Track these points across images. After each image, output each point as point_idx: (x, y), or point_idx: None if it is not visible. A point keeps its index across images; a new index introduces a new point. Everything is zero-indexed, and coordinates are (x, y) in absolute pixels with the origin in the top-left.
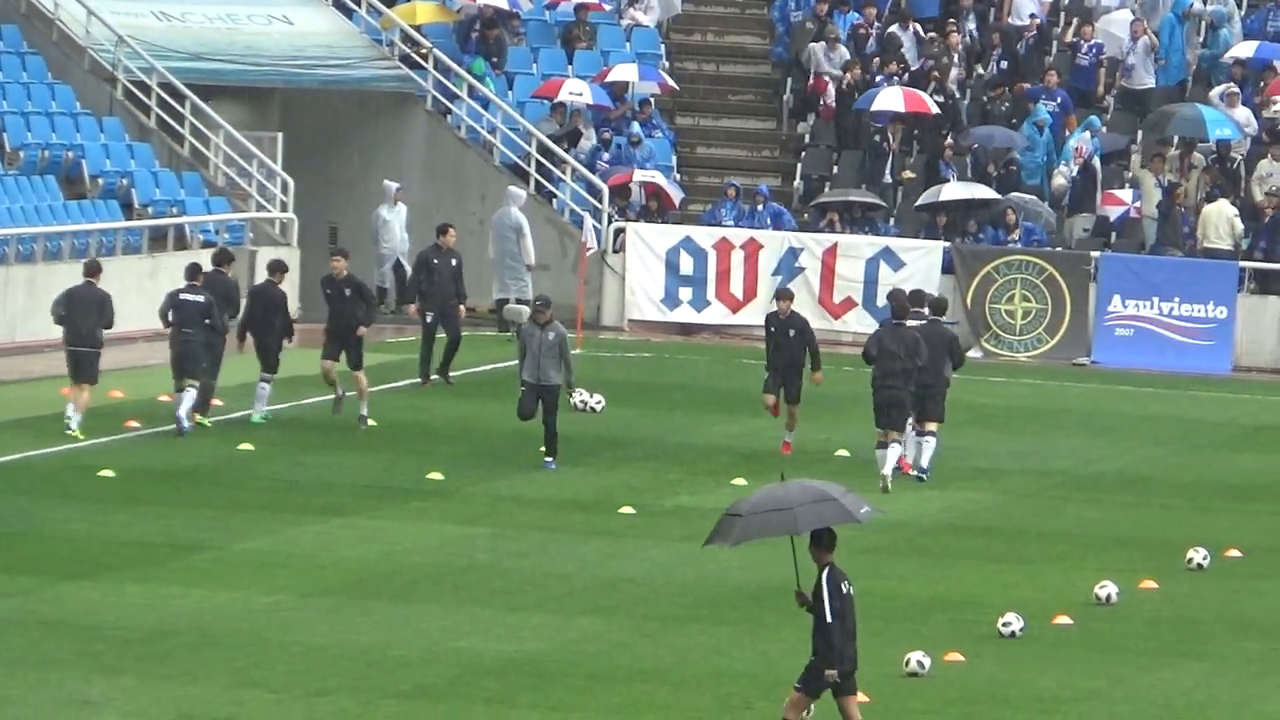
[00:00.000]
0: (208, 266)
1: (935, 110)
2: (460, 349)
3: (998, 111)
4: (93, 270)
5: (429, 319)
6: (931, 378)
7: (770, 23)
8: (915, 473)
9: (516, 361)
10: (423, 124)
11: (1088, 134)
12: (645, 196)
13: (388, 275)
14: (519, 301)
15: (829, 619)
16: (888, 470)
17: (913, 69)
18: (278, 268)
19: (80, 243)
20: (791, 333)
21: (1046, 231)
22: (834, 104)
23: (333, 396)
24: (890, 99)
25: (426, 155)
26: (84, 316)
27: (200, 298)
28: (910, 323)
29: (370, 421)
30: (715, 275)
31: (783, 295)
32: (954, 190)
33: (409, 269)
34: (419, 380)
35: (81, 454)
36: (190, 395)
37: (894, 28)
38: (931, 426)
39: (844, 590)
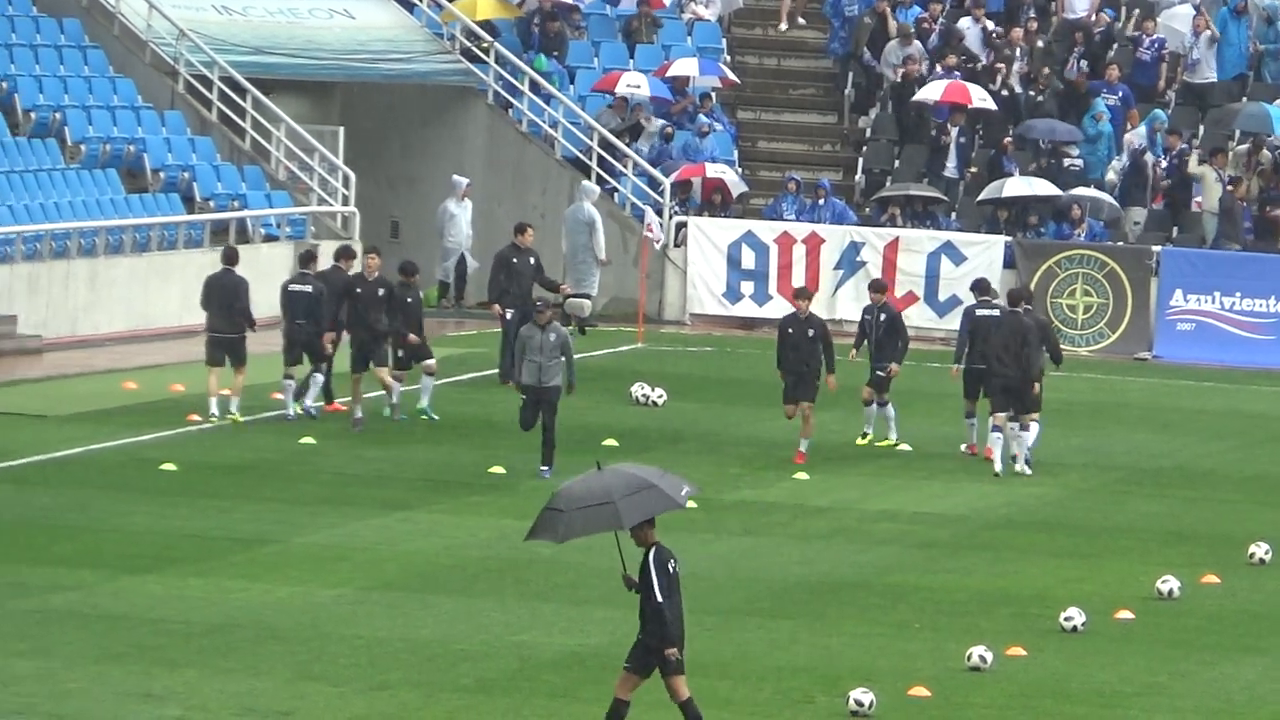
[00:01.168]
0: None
1: (976, 102)
2: None
3: (1052, 105)
4: (230, 258)
5: (508, 316)
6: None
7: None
8: (1023, 468)
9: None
10: (484, 118)
11: (1142, 129)
12: (707, 191)
13: (450, 270)
14: (582, 296)
15: (659, 599)
16: (1020, 451)
17: (977, 63)
18: (409, 270)
19: (141, 237)
20: (810, 333)
21: (1106, 226)
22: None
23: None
24: (931, 90)
25: (488, 149)
26: (221, 303)
27: (309, 288)
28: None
29: (400, 415)
30: (777, 269)
31: (801, 295)
32: (1016, 186)
33: (470, 263)
34: (499, 380)
35: (143, 448)
36: (291, 385)
37: (963, 21)
38: (1034, 417)
39: (670, 569)
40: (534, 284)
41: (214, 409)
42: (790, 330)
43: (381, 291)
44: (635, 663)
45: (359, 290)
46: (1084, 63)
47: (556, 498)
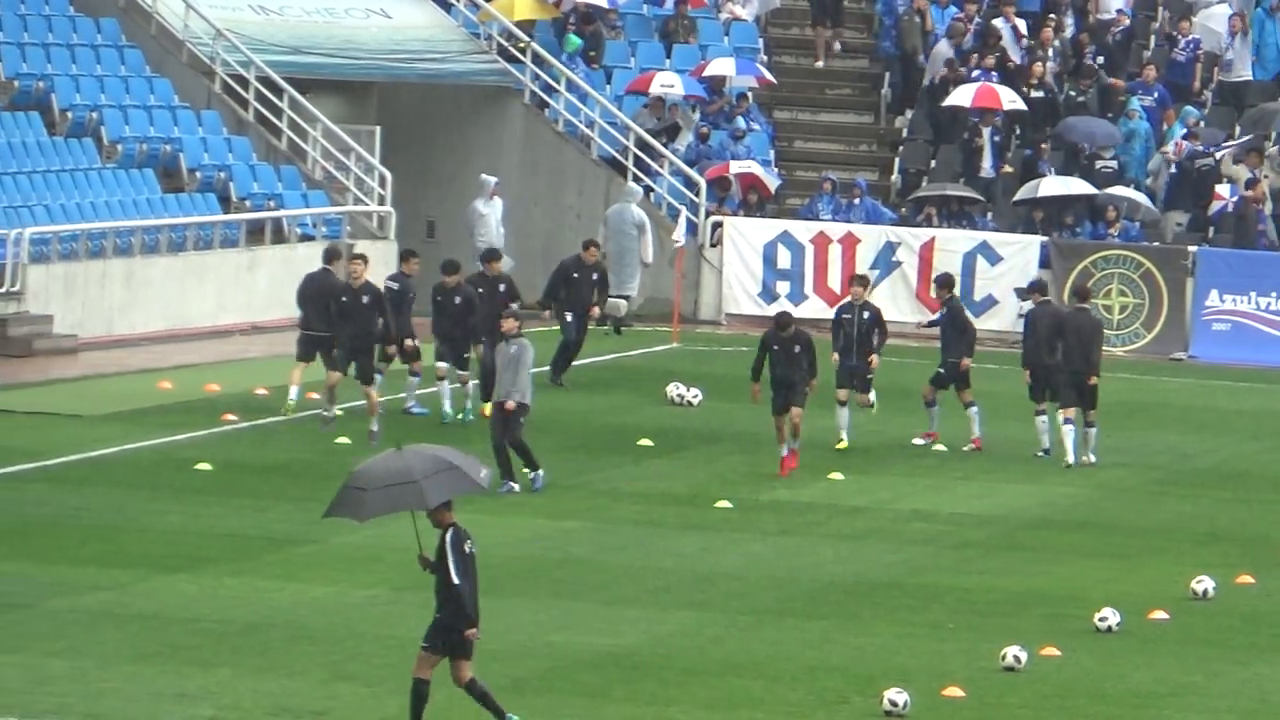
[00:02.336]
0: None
1: (1006, 105)
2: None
3: (1090, 104)
4: (331, 256)
5: (569, 318)
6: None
7: (870, 16)
8: (1089, 457)
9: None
10: (520, 118)
11: (1183, 130)
12: (743, 190)
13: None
14: (619, 296)
15: (455, 580)
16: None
17: (1013, 63)
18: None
19: (177, 236)
20: (797, 349)
21: (1142, 227)
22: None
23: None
24: (962, 95)
25: (524, 149)
26: (316, 302)
27: (395, 285)
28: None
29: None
30: (813, 269)
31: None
32: (1052, 186)
33: (505, 261)
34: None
35: (178, 447)
36: (414, 382)
37: (996, 20)
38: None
39: (466, 550)
40: (594, 297)
41: (293, 396)
42: (776, 348)
43: (367, 298)
44: (433, 642)
45: (345, 299)
46: (1101, 58)
47: (357, 476)
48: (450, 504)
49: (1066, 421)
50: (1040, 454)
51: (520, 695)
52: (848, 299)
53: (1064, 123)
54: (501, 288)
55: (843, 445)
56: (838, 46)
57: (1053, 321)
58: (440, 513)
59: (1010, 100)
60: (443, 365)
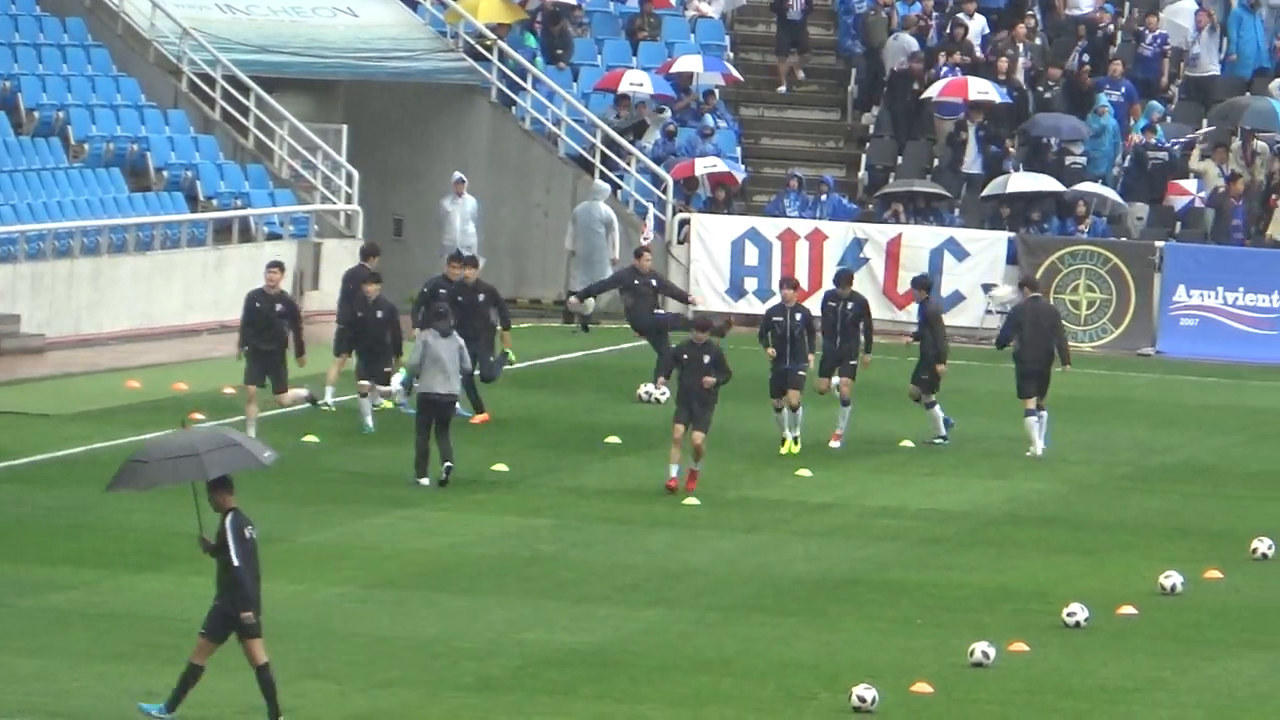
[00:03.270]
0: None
1: (974, 95)
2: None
3: (1058, 100)
4: (368, 253)
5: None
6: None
7: (833, 13)
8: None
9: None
10: (487, 116)
11: (1144, 123)
12: (711, 187)
13: None
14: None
15: (235, 563)
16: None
17: (977, 58)
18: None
19: (144, 235)
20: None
21: (1110, 223)
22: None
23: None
24: (931, 89)
25: (491, 147)
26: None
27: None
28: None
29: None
30: (780, 266)
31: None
32: (1020, 182)
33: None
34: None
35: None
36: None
37: (960, 14)
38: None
39: (247, 535)
40: (655, 301)
41: (329, 399)
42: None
43: (280, 307)
44: (211, 629)
45: (258, 305)
46: (1086, 57)
47: (141, 451)
48: (231, 488)
49: (1029, 413)
50: (1031, 454)
51: (490, 693)
52: (778, 302)
53: (1031, 120)
54: (481, 297)
55: (788, 449)
56: (801, 74)
57: (1012, 314)
58: (221, 496)
59: (980, 91)
60: (365, 383)
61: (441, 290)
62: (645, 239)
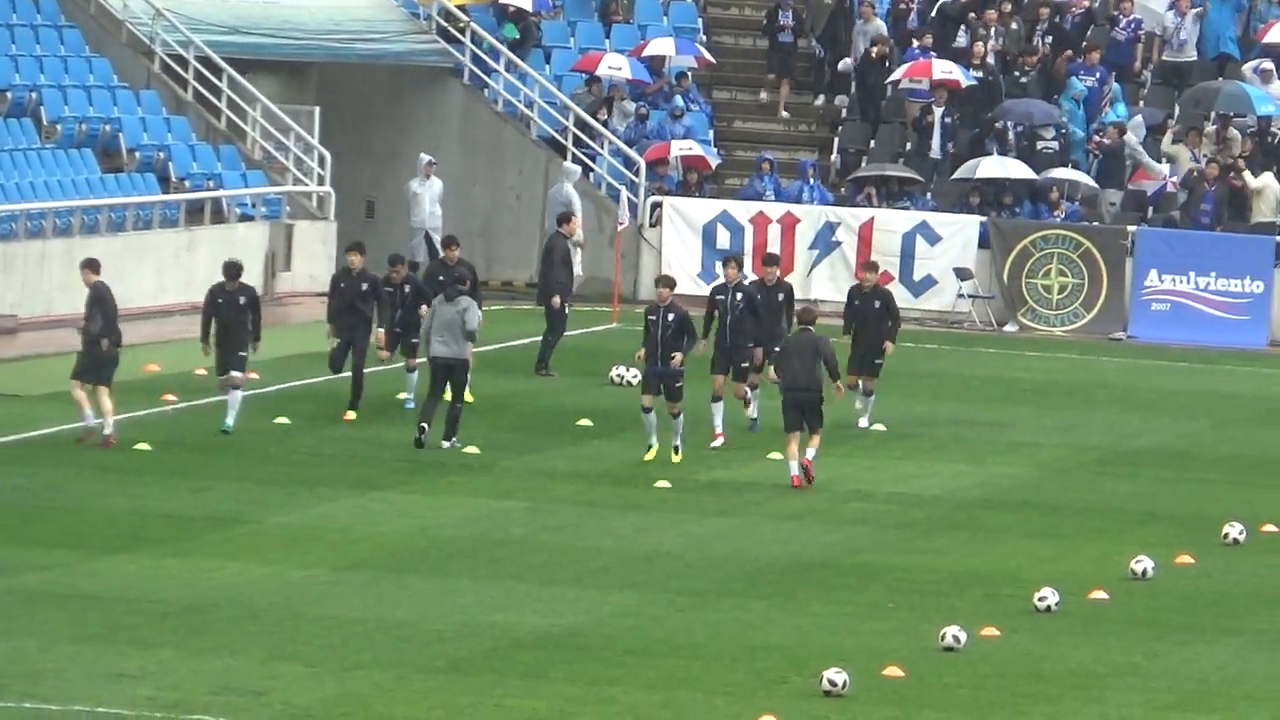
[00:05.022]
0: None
1: (939, 75)
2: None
3: (1032, 85)
4: (447, 244)
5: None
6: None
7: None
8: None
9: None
10: (460, 98)
11: (1121, 106)
12: (683, 170)
13: (419, 248)
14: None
15: None
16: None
17: (953, 44)
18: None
19: (117, 216)
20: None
21: (1081, 206)
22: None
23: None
24: (897, 72)
25: (463, 129)
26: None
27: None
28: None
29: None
30: (752, 249)
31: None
32: (991, 167)
33: (438, 243)
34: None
35: (118, 427)
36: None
37: None
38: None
39: None
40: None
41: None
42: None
43: (244, 299)
44: None
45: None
46: (1049, 39)
47: None
48: None
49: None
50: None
51: (461, 675)
52: (721, 280)
53: (1001, 105)
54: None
55: (717, 442)
56: (785, 114)
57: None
58: None
59: (945, 71)
60: (238, 375)
61: (440, 278)
62: (621, 223)
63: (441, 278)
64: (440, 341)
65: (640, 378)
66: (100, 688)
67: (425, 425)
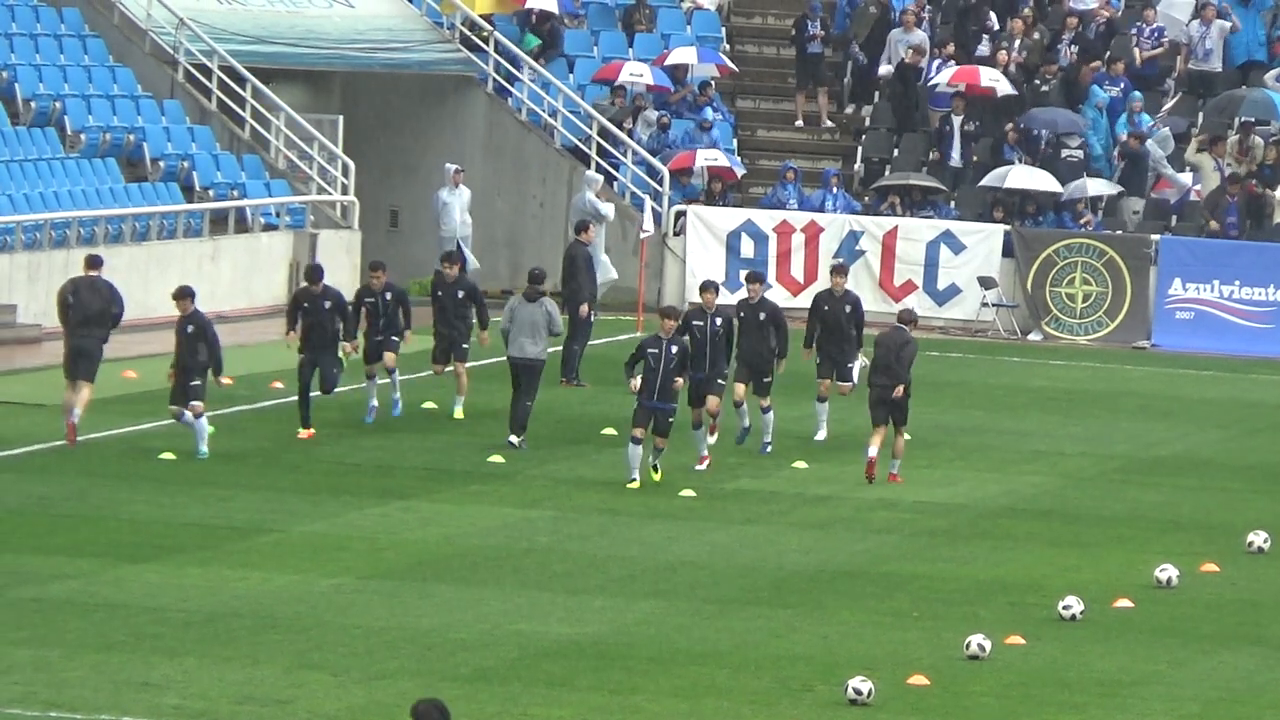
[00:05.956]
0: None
1: (987, 82)
2: None
3: (1055, 94)
4: (447, 260)
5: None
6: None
7: (830, 6)
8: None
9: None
10: (483, 107)
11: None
12: (708, 179)
13: None
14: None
15: None
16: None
17: (976, 53)
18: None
19: (141, 225)
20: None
21: (1104, 215)
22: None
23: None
24: (941, 75)
25: (487, 138)
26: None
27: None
28: None
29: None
30: (776, 258)
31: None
32: (1018, 178)
33: (469, 253)
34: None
35: (142, 437)
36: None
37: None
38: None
39: None
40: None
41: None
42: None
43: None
44: None
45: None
46: (1075, 48)
47: None
48: None
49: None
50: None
51: (486, 684)
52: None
53: (1027, 114)
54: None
55: (702, 465)
56: (828, 123)
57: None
58: None
59: (992, 78)
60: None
61: (438, 293)
62: (645, 232)
63: (440, 292)
64: (527, 341)
65: (635, 408)
66: (125, 696)
67: (515, 436)
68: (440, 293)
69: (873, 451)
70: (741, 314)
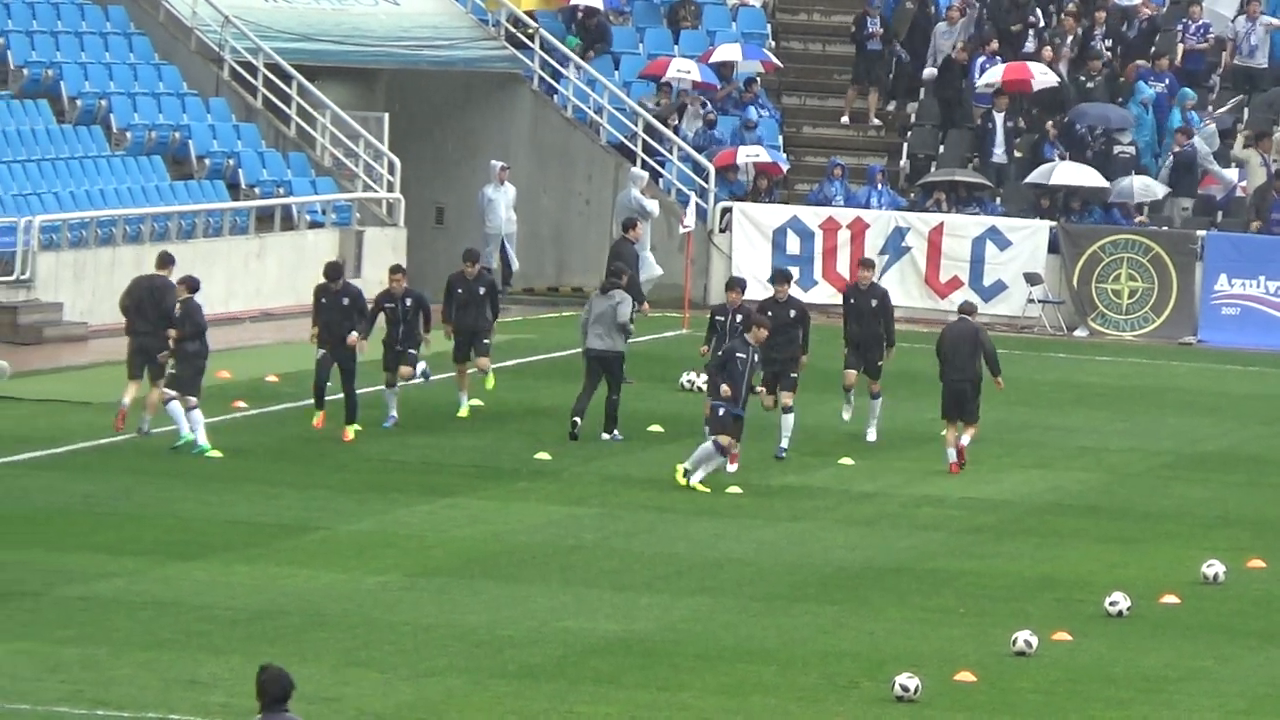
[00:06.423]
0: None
1: (1038, 76)
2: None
3: (1100, 90)
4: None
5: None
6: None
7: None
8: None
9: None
10: (529, 104)
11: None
12: (754, 175)
13: (492, 255)
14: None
15: None
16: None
17: (1023, 49)
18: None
19: (187, 223)
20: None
21: (1150, 210)
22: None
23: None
24: (991, 74)
25: (532, 135)
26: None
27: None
28: None
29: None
30: (822, 254)
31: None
32: (1064, 174)
33: (512, 252)
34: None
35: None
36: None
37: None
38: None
39: None
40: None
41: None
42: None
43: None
44: None
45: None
46: (1109, 42)
47: None
48: None
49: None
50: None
51: (534, 681)
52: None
53: (1076, 109)
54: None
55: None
56: (876, 121)
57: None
58: None
59: (1042, 72)
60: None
61: (459, 290)
62: (685, 227)
63: (460, 290)
64: (596, 335)
65: (720, 413)
66: (173, 694)
67: (578, 419)
68: (460, 290)
69: (951, 455)
70: (769, 314)
